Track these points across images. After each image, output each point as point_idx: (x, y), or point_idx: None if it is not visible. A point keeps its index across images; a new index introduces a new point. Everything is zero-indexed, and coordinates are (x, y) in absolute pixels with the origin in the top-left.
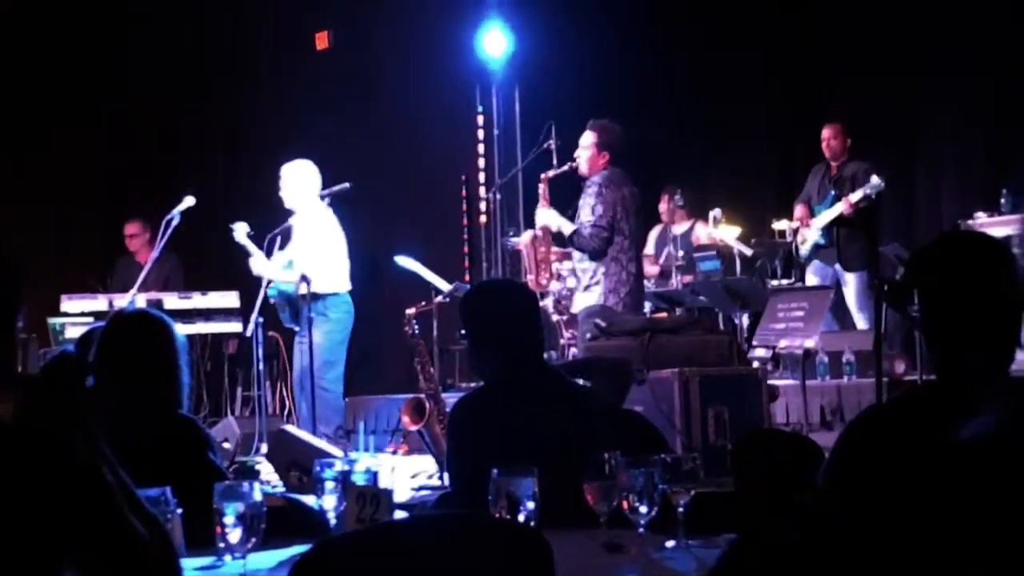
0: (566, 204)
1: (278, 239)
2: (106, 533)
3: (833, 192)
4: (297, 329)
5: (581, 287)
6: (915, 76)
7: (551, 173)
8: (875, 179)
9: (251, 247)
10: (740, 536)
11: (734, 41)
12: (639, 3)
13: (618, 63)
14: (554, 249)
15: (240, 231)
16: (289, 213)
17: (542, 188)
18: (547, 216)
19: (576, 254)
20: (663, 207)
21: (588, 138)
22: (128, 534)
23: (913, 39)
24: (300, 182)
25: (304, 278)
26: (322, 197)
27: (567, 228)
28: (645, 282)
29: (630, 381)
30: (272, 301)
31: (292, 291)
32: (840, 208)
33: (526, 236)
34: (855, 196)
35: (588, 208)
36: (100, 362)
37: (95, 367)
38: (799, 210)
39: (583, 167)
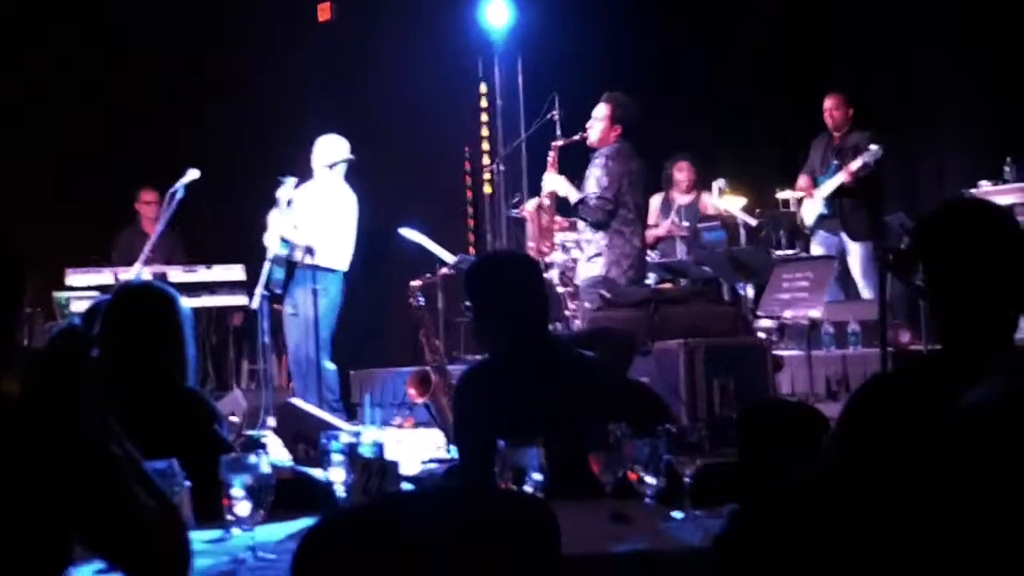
0: (573, 173)
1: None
2: (114, 507)
3: (836, 162)
4: (279, 292)
5: (585, 258)
6: (917, 45)
7: (561, 142)
8: (874, 146)
9: (283, 204)
10: (743, 505)
11: (736, 12)
12: None
13: (620, 33)
14: (557, 218)
15: (287, 187)
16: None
17: (551, 155)
18: (555, 182)
19: (581, 224)
20: (682, 175)
21: (602, 110)
22: (136, 508)
23: (914, 8)
24: (327, 155)
25: (309, 249)
26: (330, 167)
27: (573, 195)
28: (648, 251)
29: (634, 352)
30: (272, 258)
31: (293, 253)
32: (841, 178)
33: (531, 204)
34: (855, 164)
35: (594, 179)
36: (105, 335)
37: (100, 340)
38: (802, 181)
39: (593, 138)
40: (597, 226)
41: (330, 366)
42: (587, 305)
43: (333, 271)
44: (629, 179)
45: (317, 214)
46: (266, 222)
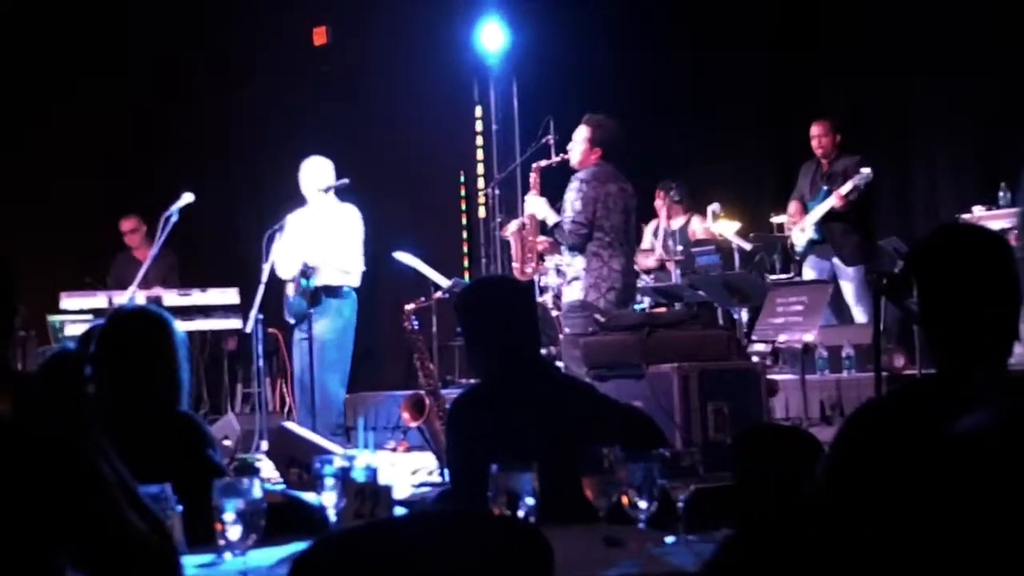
0: (560, 195)
1: (276, 235)
2: (106, 531)
3: (825, 187)
4: (292, 322)
5: (566, 281)
6: (910, 70)
7: (543, 163)
8: (865, 170)
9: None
10: (735, 530)
11: (731, 35)
12: None
13: (616, 57)
14: (541, 239)
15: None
16: (287, 209)
17: (533, 177)
18: (535, 204)
19: (564, 248)
20: (658, 203)
21: (581, 132)
22: (128, 531)
23: (907, 34)
24: (319, 178)
25: (304, 271)
26: (326, 191)
27: (551, 219)
28: (644, 276)
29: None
30: (300, 289)
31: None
32: (832, 202)
33: (513, 225)
34: (845, 188)
35: (568, 203)
36: (100, 359)
37: (94, 364)
38: (792, 207)
39: (574, 160)
40: (573, 250)
41: (340, 391)
42: (567, 330)
43: (344, 291)
44: (604, 203)
45: (321, 236)
46: (266, 251)
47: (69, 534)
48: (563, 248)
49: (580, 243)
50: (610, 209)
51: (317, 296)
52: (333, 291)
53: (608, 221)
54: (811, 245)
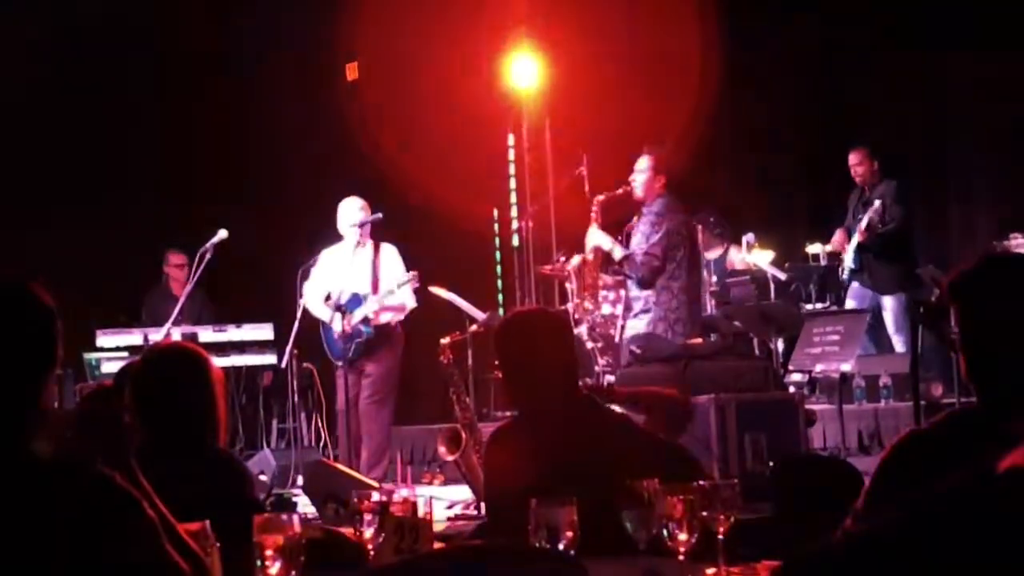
0: (614, 228)
1: (310, 271)
2: (148, 568)
3: (861, 216)
4: (339, 365)
5: (632, 314)
6: (945, 96)
7: (603, 196)
8: (876, 202)
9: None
10: (782, 564)
11: (765, 66)
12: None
13: (646, 90)
14: (603, 277)
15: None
16: (321, 245)
17: (595, 211)
18: (599, 238)
19: (629, 282)
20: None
21: (644, 162)
22: (170, 569)
23: (943, 63)
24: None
25: (339, 307)
26: (360, 226)
27: (618, 252)
28: None
29: (687, 420)
30: (365, 335)
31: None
32: (859, 236)
33: (575, 260)
34: (862, 224)
35: (643, 235)
36: (136, 397)
37: (131, 402)
38: (837, 235)
39: (639, 192)
40: (642, 283)
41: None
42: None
43: (394, 327)
44: (680, 233)
45: (355, 273)
46: (300, 287)
47: (113, 572)
48: (630, 282)
49: (652, 276)
50: (684, 239)
51: (374, 341)
52: (384, 328)
53: (679, 252)
54: (852, 274)
